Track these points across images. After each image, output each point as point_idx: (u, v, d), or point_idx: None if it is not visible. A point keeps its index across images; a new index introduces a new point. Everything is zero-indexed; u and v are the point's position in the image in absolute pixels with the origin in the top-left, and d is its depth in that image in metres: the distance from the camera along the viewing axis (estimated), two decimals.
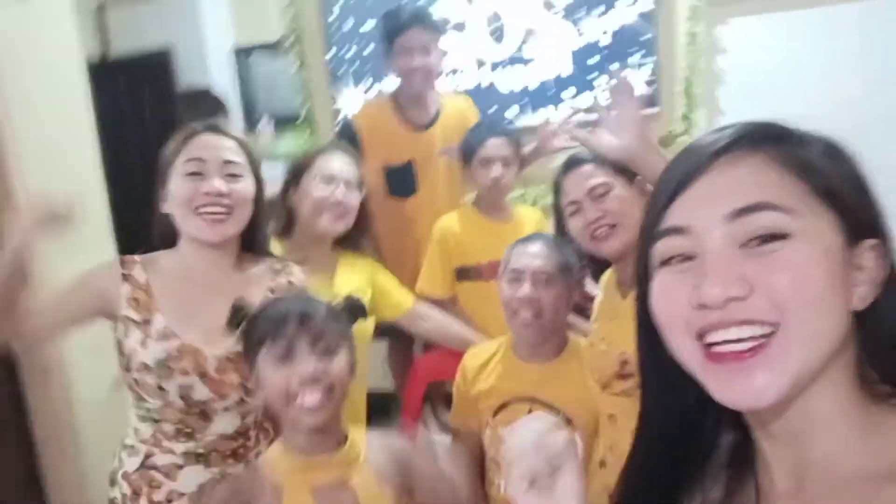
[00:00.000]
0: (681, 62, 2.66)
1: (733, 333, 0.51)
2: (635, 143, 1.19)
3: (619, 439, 1.35)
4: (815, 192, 0.53)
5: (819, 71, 2.58)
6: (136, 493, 1.29)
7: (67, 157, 1.78)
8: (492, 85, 2.87)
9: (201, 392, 1.26)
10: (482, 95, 2.83)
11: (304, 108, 3.21)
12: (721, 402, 0.53)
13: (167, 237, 1.36)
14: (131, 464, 1.31)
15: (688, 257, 0.55)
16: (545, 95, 2.81)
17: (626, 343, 1.35)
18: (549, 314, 1.51)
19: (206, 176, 1.28)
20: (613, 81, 1.25)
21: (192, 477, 1.28)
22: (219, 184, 1.28)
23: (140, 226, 1.40)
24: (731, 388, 0.52)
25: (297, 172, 1.78)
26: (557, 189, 1.47)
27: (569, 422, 1.50)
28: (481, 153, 2.00)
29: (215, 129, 1.35)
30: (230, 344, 1.26)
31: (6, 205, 1.61)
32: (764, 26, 2.64)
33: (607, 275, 1.51)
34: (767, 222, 0.52)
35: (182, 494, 1.28)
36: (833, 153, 0.56)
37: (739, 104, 2.67)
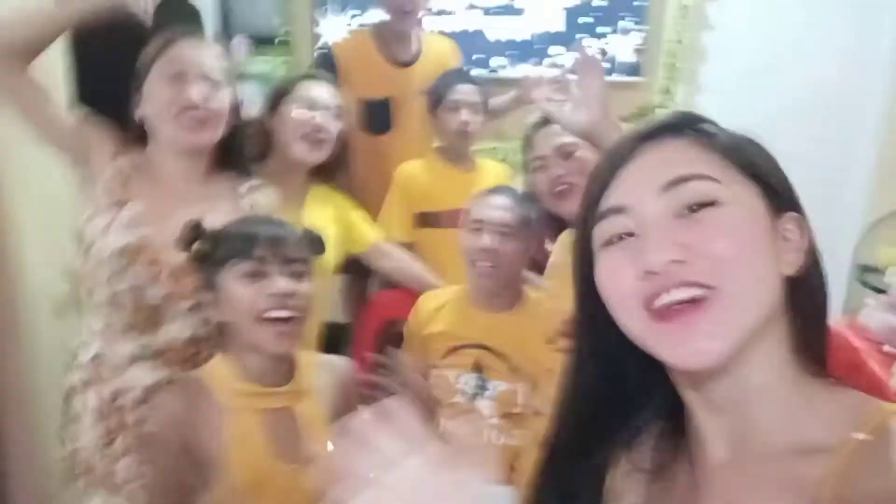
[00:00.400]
0: (669, 34, 2.66)
1: (675, 295, 0.55)
2: (597, 120, 1.18)
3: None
4: (737, 168, 0.58)
5: (801, 54, 2.62)
6: (88, 383, 1.31)
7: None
8: (480, 31, 2.83)
9: (153, 293, 1.25)
10: (469, 40, 2.80)
11: (283, 30, 3.11)
12: (669, 363, 0.57)
13: (139, 142, 1.34)
14: (85, 355, 1.32)
15: (628, 234, 0.59)
16: (532, 49, 2.79)
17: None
18: (506, 266, 1.54)
19: (186, 83, 1.28)
20: (577, 54, 1.23)
21: (141, 375, 1.28)
22: (198, 92, 1.27)
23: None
24: (678, 349, 0.55)
25: (276, 97, 1.75)
26: (527, 144, 1.50)
27: (515, 371, 1.55)
28: (449, 98, 1.99)
29: (196, 37, 1.35)
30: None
31: None
32: (753, 6, 2.65)
33: (564, 235, 1.55)
34: (698, 189, 0.56)
35: (130, 390, 1.28)
36: (750, 140, 0.61)
37: (719, 82, 2.70)
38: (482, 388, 1.57)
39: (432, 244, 2.04)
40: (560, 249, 1.53)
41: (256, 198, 1.42)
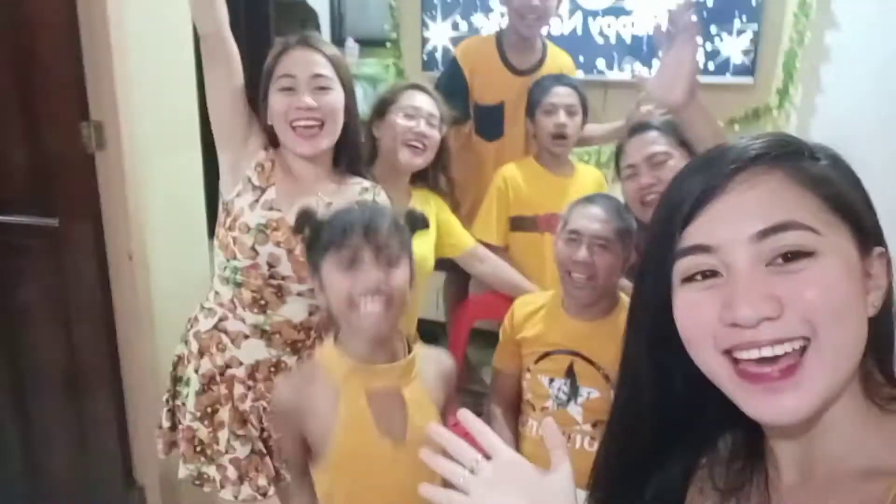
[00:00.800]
0: (786, 33, 2.52)
1: (766, 352, 0.53)
2: (684, 102, 1.11)
3: None
4: (831, 207, 0.55)
5: None
6: (202, 352, 1.44)
7: (166, 57, 1.87)
8: (586, 32, 2.80)
9: (285, 266, 1.38)
10: (574, 42, 2.78)
11: (393, 34, 3.21)
12: (751, 416, 0.56)
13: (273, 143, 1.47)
14: (205, 324, 1.45)
15: (712, 273, 0.56)
16: (639, 50, 2.73)
17: None
18: (602, 278, 1.53)
19: (298, 91, 1.37)
20: (675, 7, 1.16)
21: (253, 350, 1.41)
22: (308, 98, 1.37)
23: None
24: (762, 407, 0.54)
25: (382, 106, 1.84)
26: (620, 151, 1.49)
27: (608, 379, 1.55)
28: (546, 101, 2.00)
29: (307, 43, 1.41)
30: None
31: (112, 107, 1.73)
32: (886, 4, 2.46)
33: None
34: (794, 241, 0.53)
35: (241, 363, 1.42)
36: (838, 164, 0.58)
37: (843, 84, 2.54)
38: (574, 394, 1.58)
39: (527, 249, 2.05)
40: None
41: (379, 192, 1.52)
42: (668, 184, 0.62)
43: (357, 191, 1.49)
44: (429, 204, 1.89)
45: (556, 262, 1.60)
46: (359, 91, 3.93)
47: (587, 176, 2.14)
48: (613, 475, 0.72)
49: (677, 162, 1.38)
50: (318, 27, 3.72)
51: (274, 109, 1.40)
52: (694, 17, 1.16)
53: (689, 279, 0.58)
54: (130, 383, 1.91)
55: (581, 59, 2.78)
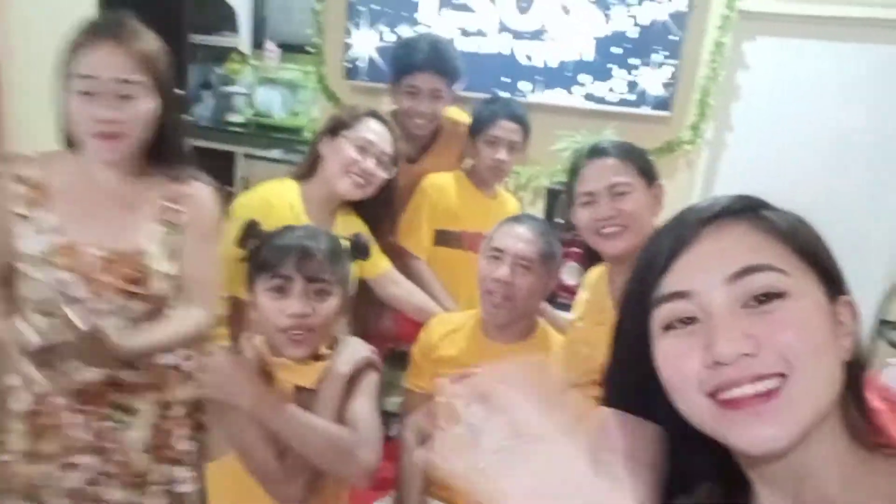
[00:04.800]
0: (703, 70, 2.63)
1: (747, 389, 0.54)
2: None
3: None
4: (797, 254, 0.58)
5: (831, 102, 2.58)
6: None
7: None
8: (511, 54, 2.82)
9: (78, 290, 1.22)
10: (499, 63, 2.80)
11: (315, 39, 3.12)
12: (735, 448, 0.57)
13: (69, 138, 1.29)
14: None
15: (690, 320, 0.58)
16: (562, 76, 2.76)
17: None
18: (521, 299, 1.50)
19: (98, 97, 1.19)
20: None
21: (75, 371, 1.25)
22: (109, 111, 1.20)
23: None
24: (745, 435, 0.55)
25: (336, 126, 1.74)
26: (574, 174, 1.41)
27: None
28: (490, 131, 1.96)
29: (115, 37, 1.21)
30: (117, 246, 1.24)
31: None
32: (791, 50, 2.62)
33: (596, 273, 1.49)
34: (765, 282, 0.56)
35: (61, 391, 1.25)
36: (803, 221, 0.61)
37: (751, 122, 2.67)
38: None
39: (449, 266, 2.01)
40: (594, 286, 1.48)
41: (194, 179, 1.36)
42: (643, 245, 0.64)
43: (166, 183, 1.32)
44: (352, 226, 1.81)
45: (477, 280, 1.56)
46: (277, 96, 3.78)
47: (509, 201, 2.15)
48: None
49: (639, 194, 1.32)
50: (235, 28, 3.58)
51: (72, 115, 1.22)
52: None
53: (669, 327, 0.59)
54: None
55: (503, 80, 2.81)
